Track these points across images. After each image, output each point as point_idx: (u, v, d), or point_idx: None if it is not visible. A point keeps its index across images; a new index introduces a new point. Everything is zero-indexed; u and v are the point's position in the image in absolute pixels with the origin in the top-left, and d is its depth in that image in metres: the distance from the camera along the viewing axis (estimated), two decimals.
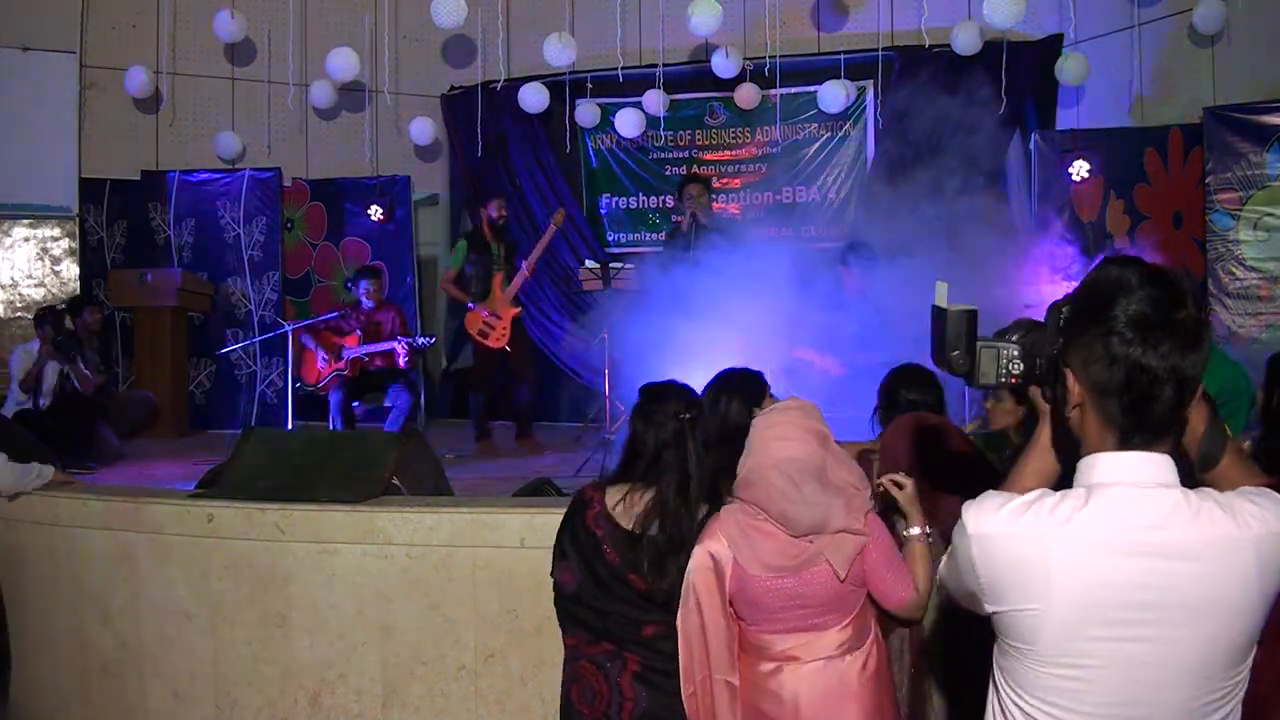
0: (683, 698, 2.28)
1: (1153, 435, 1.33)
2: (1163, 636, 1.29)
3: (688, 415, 2.41)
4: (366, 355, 6.44)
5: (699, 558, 2.25)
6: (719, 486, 2.42)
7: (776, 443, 2.21)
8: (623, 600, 2.35)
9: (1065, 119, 7.42)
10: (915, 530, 2.32)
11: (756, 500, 2.19)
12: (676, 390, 2.48)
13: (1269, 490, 1.35)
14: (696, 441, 2.40)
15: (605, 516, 2.39)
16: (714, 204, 6.68)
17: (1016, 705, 1.38)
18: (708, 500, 2.40)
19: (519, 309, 6.37)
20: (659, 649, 2.35)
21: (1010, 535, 1.33)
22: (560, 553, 2.47)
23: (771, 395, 2.76)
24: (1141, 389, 1.30)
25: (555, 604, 2.51)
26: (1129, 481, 1.32)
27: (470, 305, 6.38)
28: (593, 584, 2.37)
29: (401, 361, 6.34)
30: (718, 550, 2.23)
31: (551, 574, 2.48)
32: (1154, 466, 1.33)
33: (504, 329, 6.28)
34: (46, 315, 6.53)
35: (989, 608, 1.38)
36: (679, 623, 2.28)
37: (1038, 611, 1.31)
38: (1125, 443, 1.33)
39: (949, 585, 1.50)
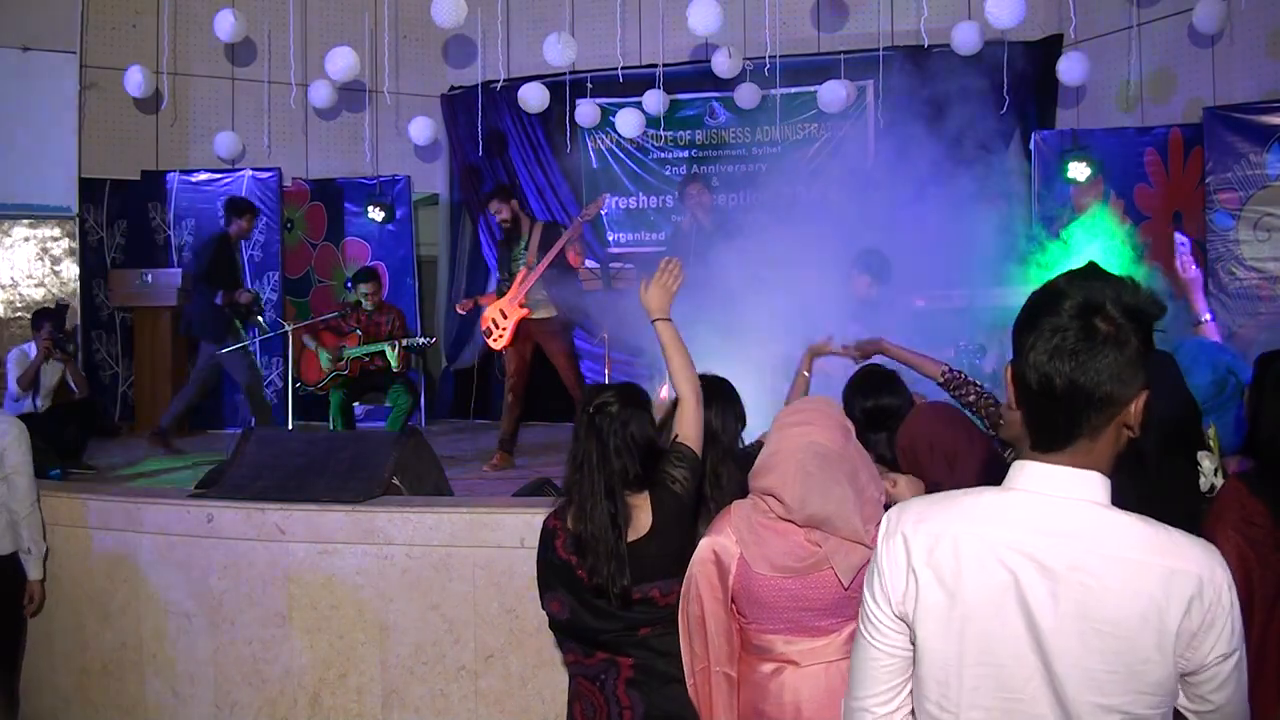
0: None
1: (1055, 442, 1.36)
2: (1042, 639, 1.31)
3: (594, 409, 2.38)
4: (366, 356, 6.43)
5: (702, 551, 2.23)
6: (655, 469, 2.40)
7: (799, 428, 2.18)
8: (612, 616, 2.34)
9: (1065, 119, 7.42)
10: None
11: (772, 487, 2.15)
12: (593, 388, 2.47)
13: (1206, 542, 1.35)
14: (604, 434, 2.35)
15: (572, 540, 2.38)
16: (713, 204, 6.66)
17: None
18: (632, 484, 2.36)
19: (529, 311, 5.93)
20: (653, 647, 2.34)
21: (925, 530, 1.39)
22: (544, 584, 2.46)
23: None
24: (1043, 397, 1.34)
25: (551, 629, 2.51)
26: (1046, 491, 1.35)
27: (483, 304, 6.12)
28: (583, 610, 2.36)
29: (394, 364, 6.29)
30: (723, 545, 2.21)
31: (543, 606, 2.47)
32: (1077, 482, 1.35)
33: (504, 331, 5.98)
34: (45, 315, 6.53)
35: (900, 608, 1.41)
36: (680, 615, 2.27)
37: (939, 604, 1.36)
38: (1035, 447, 1.38)
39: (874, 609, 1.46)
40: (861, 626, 1.47)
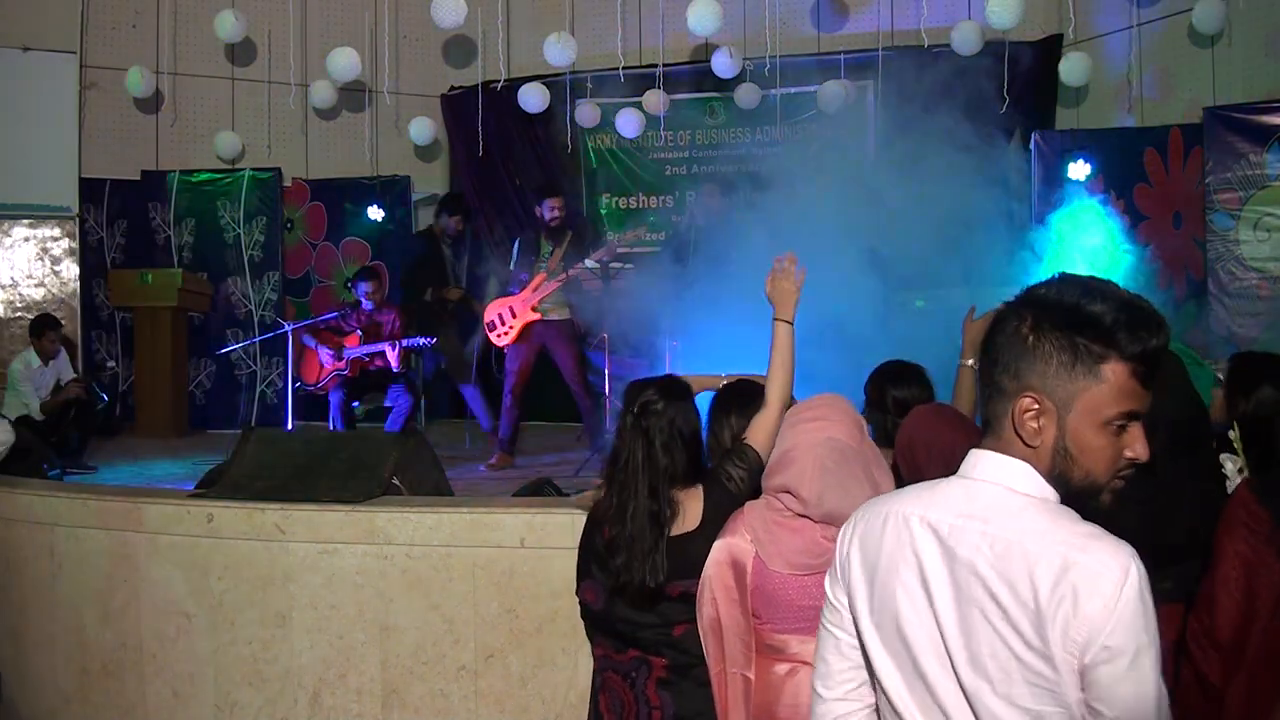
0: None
1: (983, 427, 1.40)
2: (940, 619, 1.31)
3: (635, 410, 2.37)
4: (366, 355, 6.43)
5: (718, 552, 2.23)
6: (699, 470, 2.40)
7: (814, 423, 2.18)
8: (648, 610, 2.33)
9: (1065, 119, 7.42)
10: None
11: (788, 483, 2.15)
12: (635, 386, 2.46)
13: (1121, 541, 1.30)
14: (651, 432, 2.35)
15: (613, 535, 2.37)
16: (712, 204, 6.67)
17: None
18: (681, 478, 2.36)
19: (540, 315, 6.02)
20: (686, 648, 2.33)
21: (869, 513, 1.44)
22: (582, 570, 2.44)
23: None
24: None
25: (582, 618, 2.50)
26: (972, 476, 1.36)
27: (502, 295, 6.17)
28: (619, 601, 2.35)
29: (394, 364, 6.30)
30: (738, 545, 2.21)
31: (576, 592, 2.46)
32: (1000, 468, 1.33)
33: (510, 328, 6.04)
34: (46, 322, 6.54)
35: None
36: (697, 616, 2.27)
37: (862, 583, 1.41)
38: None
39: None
40: (823, 612, 1.51)
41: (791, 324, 2.55)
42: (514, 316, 6.05)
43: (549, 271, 6.01)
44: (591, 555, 2.42)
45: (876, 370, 3.01)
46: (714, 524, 2.33)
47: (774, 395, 2.47)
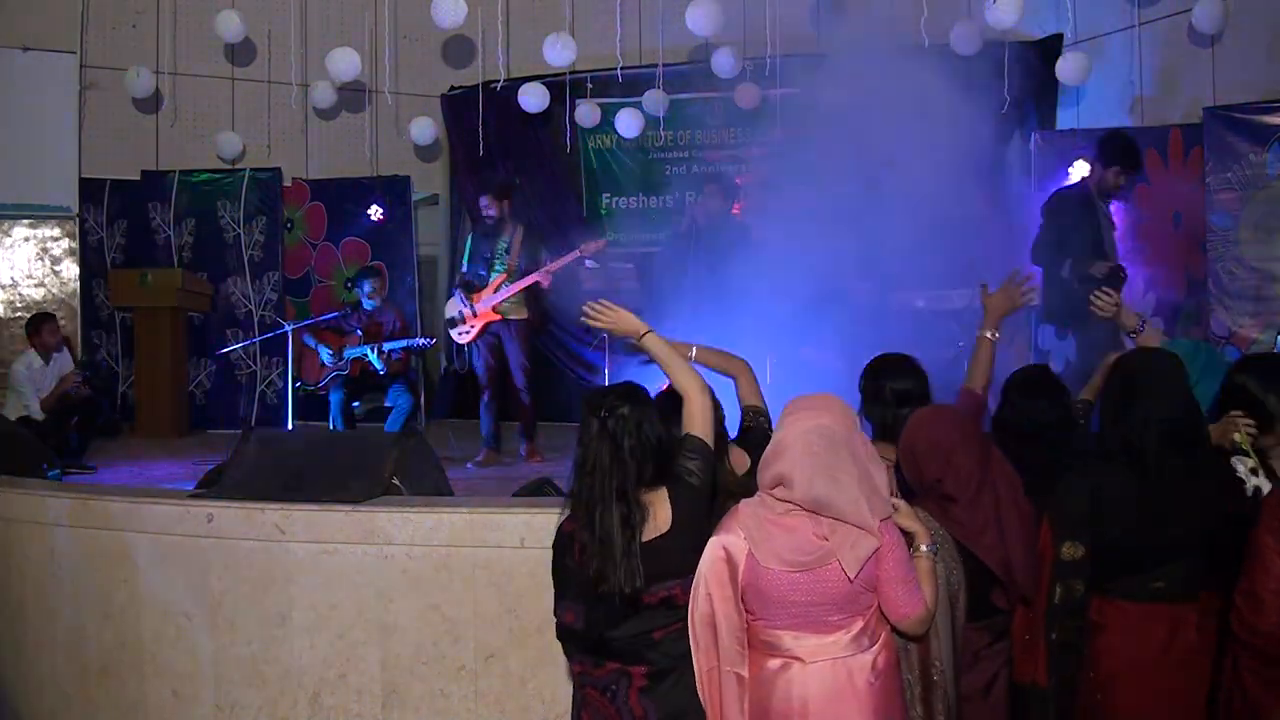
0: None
1: None
2: None
3: (605, 413, 2.36)
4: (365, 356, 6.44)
5: (712, 550, 2.24)
6: (669, 470, 2.39)
7: (804, 413, 2.21)
8: (629, 619, 2.33)
9: (1065, 119, 7.42)
10: (924, 547, 2.33)
11: (780, 472, 2.17)
12: (596, 393, 2.46)
13: None
14: (618, 436, 2.33)
15: (583, 546, 2.36)
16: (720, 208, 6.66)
17: None
18: (647, 482, 2.35)
19: (500, 316, 6.06)
20: (669, 651, 2.33)
21: None
22: (560, 592, 2.43)
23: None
24: None
25: (560, 639, 2.48)
26: None
27: (455, 291, 6.23)
28: (599, 617, 2.34)
29: (378, 367, 6.30)
30: (732, 543, 2.22)
31: (555, 614, 2.44)
32: None
33: (470, 327, 6.10)
34: (42, 320, 6.54)
35: None
36: (689, 614, 2.26)
37: None
38: None
39: None
40: None
41: (651, 331, 2.66)
42: (475, 316, 6.10)
43: (509, 272, 6.05)
44: (565, 575, 2.41)
45: (870, 365, 3.01)
46: (685, 524, 2.33)
47: (686, 387, 2.52)
